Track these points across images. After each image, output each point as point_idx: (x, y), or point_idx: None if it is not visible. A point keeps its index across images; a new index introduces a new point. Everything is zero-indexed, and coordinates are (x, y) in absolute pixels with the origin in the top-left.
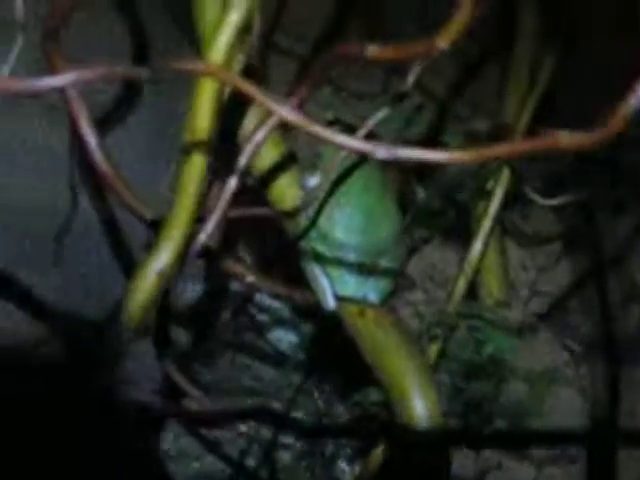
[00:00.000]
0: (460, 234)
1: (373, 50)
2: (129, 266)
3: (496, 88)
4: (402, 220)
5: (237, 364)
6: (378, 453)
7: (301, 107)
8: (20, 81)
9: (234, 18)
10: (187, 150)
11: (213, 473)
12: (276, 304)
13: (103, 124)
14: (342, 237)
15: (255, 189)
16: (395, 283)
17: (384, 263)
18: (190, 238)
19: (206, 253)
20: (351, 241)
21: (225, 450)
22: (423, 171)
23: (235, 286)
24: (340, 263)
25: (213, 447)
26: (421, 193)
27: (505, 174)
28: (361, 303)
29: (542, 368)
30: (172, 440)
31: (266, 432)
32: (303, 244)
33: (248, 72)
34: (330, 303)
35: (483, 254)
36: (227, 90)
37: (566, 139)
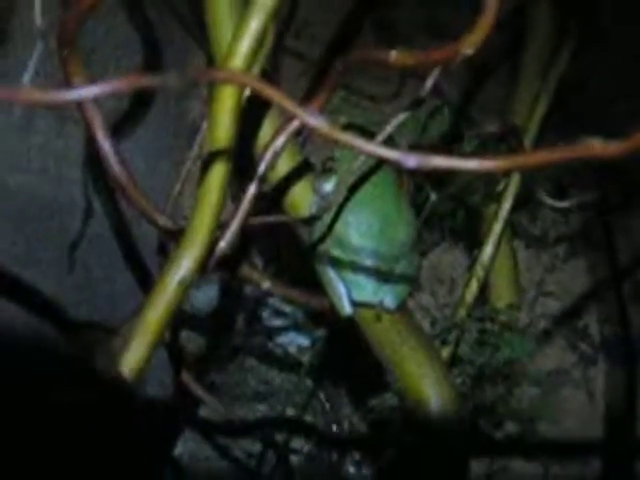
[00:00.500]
0: (467, 237)
1: (397, 56)
2: (140, 271)
3: (506, 91)
4: (417, 225)
5: (247, 368)
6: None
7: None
8: (51, 92)
9: (254, 25)
10: (207, 159)
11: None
12: (287, 308)
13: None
14: (358, 242)
15: (271, 196)
16: (411, 288)
17: (400, 268)
18: (211, 246)
19: (225, 260)
20: (367, 246)
21: (236, 453)
22: (435, 175)
23: (246, 290)
24: (356, 268)
25: (224, 450)
26: (433, 197)
27: (516, 177)
28: (377, 308)
29: (550, 371)
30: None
31: (278, 436)
32: (319, 250)
33: (263, 77)
34: (346, 308)
35: (494, 257)
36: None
37: (600, 147)
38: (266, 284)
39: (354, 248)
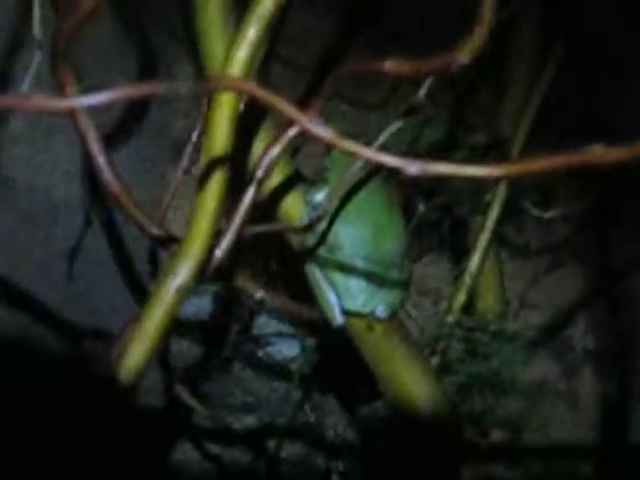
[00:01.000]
0: (452, 250)
1: (392, 66)
2: (132, 281)
3: (493, 100)
4: (408, 234)
5: (237, 377)
6: None
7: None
8: (59, 100)
9: (251, 34)
10: (205, 168)
11: None
12: (276, 318)
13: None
14: (350, 251)
15: (263, 207)
16: (403, 297)
17: (392, 277)
18: (208, 254)
19: (219, 270)
20: (359, 255)
21: (224, 461)
22: (424, 186)
23: (236, 300)
24: (348, 278)
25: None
26: (421, 207)
27: (502, 188)
28: (369, 318)
29: (534, 381)
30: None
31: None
32: (311, 260)
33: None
34: (338, 319)
35: (481, 267)
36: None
37: (602, 154)
38: (259, 294)
39: (346, 258)
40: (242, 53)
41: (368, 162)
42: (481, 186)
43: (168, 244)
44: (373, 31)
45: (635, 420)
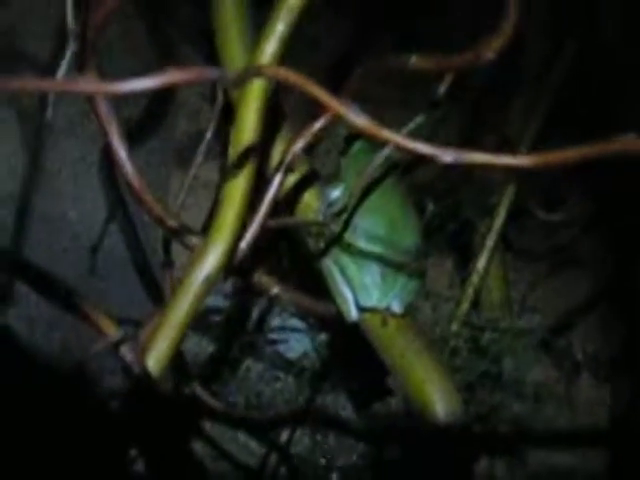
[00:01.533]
0: (454, 254)
1: (417, 61)
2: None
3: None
4: (424, 230)
5: (246, 375)
6: None
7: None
8: (109, 84)
9: (280, 27)
10: (232, 160)
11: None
12: (288, 316)
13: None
14: (365, 247)
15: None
16: (418, 293)
17: (407, 273)
18: (235, 245)
19: (240, 264)
20: (374, 251)
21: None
22: (433, 188)
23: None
24: (363, 274)
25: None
26: (431, 207)
27: (510, 189)
28: (384, 313)
29: (532, 385)
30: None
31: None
32: (326, 256)
33: None
34: (353, 314)
35: (487, 268)
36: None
37: (636, 143)
38: (275, 289)
39: (361, 253)
40: (271, 47)
41: (402, 150)
42: (488, 188)
43: (185, 237)
44: (392, 33)
45: (635, 423)
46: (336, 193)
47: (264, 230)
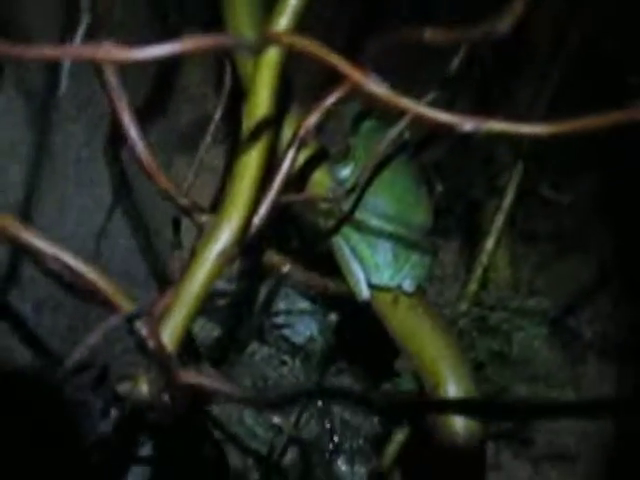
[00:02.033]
0: (459, 237)
1: (431, 34)
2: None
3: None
4: (434, 210)
5: (253, 359)
6: (398, 440)
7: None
8: (130, 50)
9: (293, 2)
10: (247, 132)
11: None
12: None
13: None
14: (376, 225)
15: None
16: (429, 271)
17: (418, 251)
18: (248, 220)
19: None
20: (385, 229)
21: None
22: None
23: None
24: (375, 252)
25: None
26: (440, 188)
27: (519, 169)
28: (395, 292)
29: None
30: None
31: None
32: (337, 234)
33: None
34: (364, 293)
35: (496, 248)
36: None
37: None
38: (286, 268)
39: (372, 231)
40: (284, 21)
41: (421, 119)
42: (496, 169)
43: (196, 215)
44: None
45: None
46: (346, 172)
47: (277, 206)
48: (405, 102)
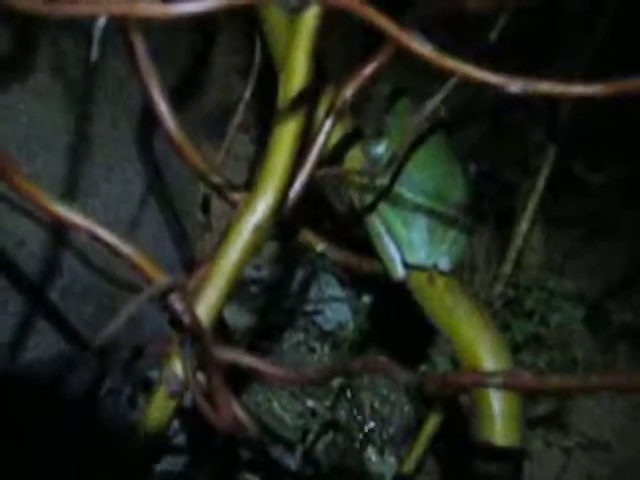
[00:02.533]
0: (488, 223)
1: (474, 1)
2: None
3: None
4: (471, 187)
5: (283, 345)
6: (433, 422)
7: None
8: (166, 6)
9: None
10: (283, 105)
11: None
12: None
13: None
14: (412, 203)
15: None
16: (466, 250)
17: (455, 229)
18: (284, 193)
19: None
20: (421, 207)
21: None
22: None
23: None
24: (411, 230)
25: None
26: (472, 168)
27: (552, 150)
28: (431, 271)
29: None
30: None
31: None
32: (372, 213)
33: None
34: (399, 272)
35: (531, 229)
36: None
37: None
38: (320, 246)
39: (408, 209)
40: None
41: (469, 80)
42: (528, 150)
43: (228, 193)
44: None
45: None
46: (380, 149)
47: (312, 180)
48: (451, 62)
